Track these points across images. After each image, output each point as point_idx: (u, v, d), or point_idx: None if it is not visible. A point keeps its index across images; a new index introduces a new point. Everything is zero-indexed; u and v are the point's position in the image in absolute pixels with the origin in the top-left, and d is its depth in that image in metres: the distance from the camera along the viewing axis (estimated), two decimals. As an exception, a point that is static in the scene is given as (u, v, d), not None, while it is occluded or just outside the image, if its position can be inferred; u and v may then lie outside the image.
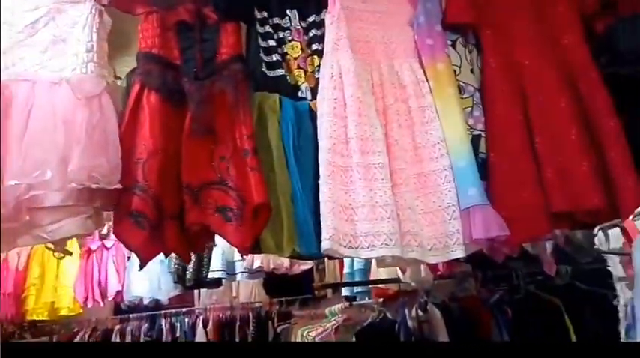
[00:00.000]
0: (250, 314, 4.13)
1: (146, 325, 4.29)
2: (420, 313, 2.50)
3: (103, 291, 4.00)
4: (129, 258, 4.16)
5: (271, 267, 3.74)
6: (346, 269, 3.92)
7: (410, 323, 2.43)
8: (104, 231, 4.18)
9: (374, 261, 3.52)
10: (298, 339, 2.81)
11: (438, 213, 1.34)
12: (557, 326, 2.29)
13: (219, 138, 1.33)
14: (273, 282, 4.23)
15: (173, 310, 4.40)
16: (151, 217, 1.22)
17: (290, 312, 3.83)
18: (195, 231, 1.27)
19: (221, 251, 3.81)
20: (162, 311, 4.35)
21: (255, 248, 1.27)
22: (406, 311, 2.44)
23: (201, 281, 3.90)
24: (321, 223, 1.22)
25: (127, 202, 1.22)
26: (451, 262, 2.69)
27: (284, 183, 1.30)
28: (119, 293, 4.04)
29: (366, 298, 3.73)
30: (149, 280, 4.07)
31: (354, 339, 2.38)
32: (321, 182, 1.26)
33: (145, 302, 4.17)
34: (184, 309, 4.43)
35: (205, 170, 1.30)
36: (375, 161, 1.29)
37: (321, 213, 1.23)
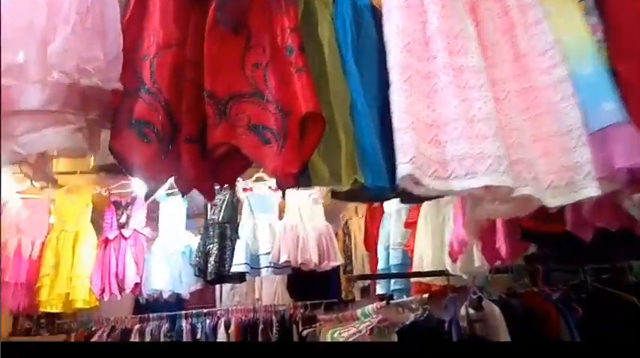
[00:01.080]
0: (274, 317, 3.96)
1: (166, 325, 4.15)
2: (472, 311, 2.12)
3: (121, 283, 3.73)
4: (148, 249, 3.92)
5: (299, 261, 3.40)
6: (381, 266, 3.53)
7: (460, 322, 2.05)
8: (122, 219, 3.96)
9: (415, 256, 3.08)
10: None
11: (555, 139, 0.97)
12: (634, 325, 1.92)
13: (254, 39, 0.99)
14: (298, 284, 4.01)
15: (194, 310, 4.22)
16: (159, 128, 0.88)
17: (315, 316, 3.61)
18: (221, 154, 0.93)
19: (245, 243, 3.52)
20: (183, 312, 4.18)
21: (304, 178, 0.91)
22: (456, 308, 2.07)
23: (224, 275, 3.63)
24: (395, 144, 0.86)
25: (129, 108, 0.89)
26: (519, 249, 2.31)
27: (341, 92, 0.96)
28: (137, 285, 3.76)
29: (404, 296, 3.33)
30: (170, 273, 3.82)
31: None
32: (392, 90, 0.91)
33: (165, 295, 3.90)
34: (205, 310, 4.26)
35: (235, 77, 0.96)
36: (468, 63, 0.94)
37: (394, 130, 0.88)
